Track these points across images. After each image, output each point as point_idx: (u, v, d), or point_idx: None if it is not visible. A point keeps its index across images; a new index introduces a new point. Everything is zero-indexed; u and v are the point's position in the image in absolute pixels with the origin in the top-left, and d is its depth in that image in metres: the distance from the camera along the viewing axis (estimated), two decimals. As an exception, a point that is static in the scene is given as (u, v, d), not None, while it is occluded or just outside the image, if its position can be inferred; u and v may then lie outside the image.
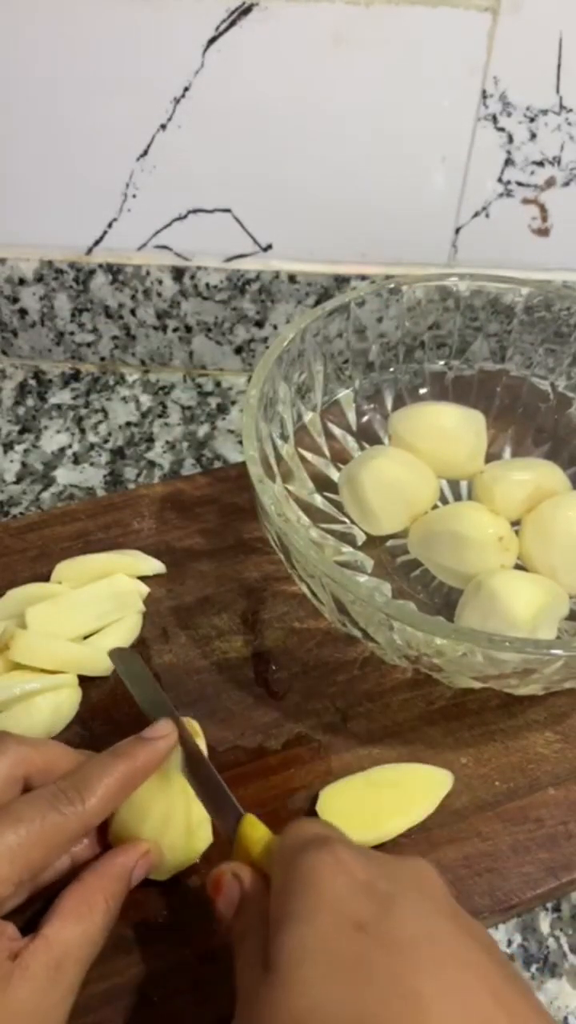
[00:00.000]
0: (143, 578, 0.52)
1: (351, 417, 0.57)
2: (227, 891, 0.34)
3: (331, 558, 0.43)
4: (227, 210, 0.62)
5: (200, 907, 0.40)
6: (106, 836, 0.39)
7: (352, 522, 0.53)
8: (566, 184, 0.59)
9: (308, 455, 0.54)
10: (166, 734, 0.39)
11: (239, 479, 0.58)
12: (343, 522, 0.53)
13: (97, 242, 0.64)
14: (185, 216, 0.62)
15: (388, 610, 0.38)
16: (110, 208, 0.62)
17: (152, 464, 0.63)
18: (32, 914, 0.35)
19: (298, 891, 0.30)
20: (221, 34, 0.53)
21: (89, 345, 0.69)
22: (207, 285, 0.64)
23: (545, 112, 0.56)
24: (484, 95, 0.55)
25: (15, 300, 0.66)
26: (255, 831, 0.35)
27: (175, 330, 0.67)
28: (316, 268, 0.64)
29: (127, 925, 0.39)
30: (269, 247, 0.63)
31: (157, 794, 0.39)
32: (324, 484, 0.54)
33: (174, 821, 0.39)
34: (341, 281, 0.64)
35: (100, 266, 0.64)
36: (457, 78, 0.55)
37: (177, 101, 0.56)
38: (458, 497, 0.56)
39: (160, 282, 0.65)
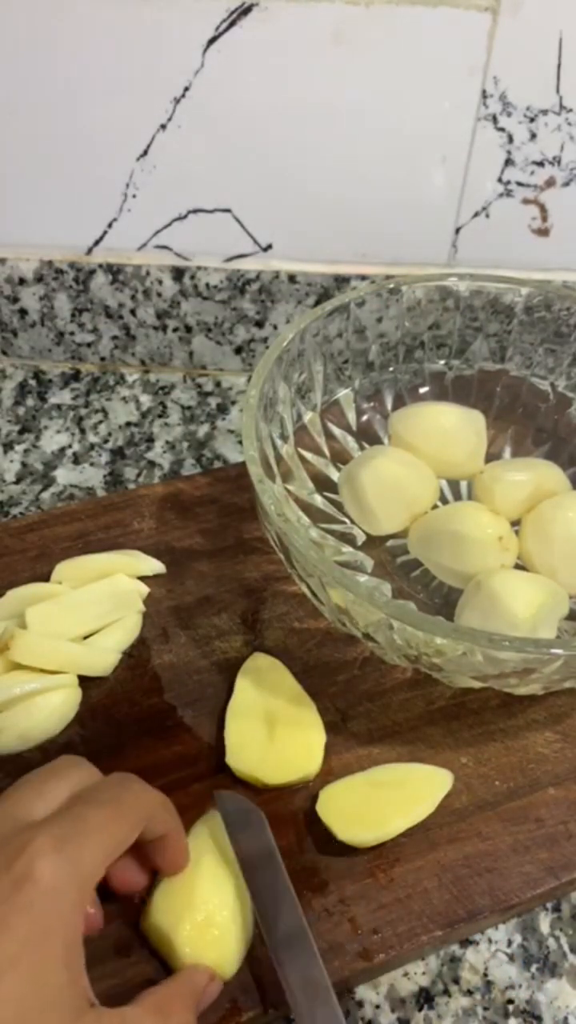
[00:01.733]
0: (143, 578, 0.52)
1: (351, 417, 0.57)
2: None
3: (331, 558, 0.43)
4: (227, 210, 0.62)
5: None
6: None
7: (352, 522, 0.53)
8: (566, 184, 0.59)
9: (308, 455, 0.54)
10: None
11: (239, 479, 0.58)
12: (343, 522, 0.53)
13: (97, 242, 0.64)
14: (185, 216, 0.62)
15: (388, 610, 0.38)
16: (110, 208, 0.62)
17: (152, 464, 0.63)
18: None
19: None
20: (221, 34, 0.53)
21: (89, 345, 0.69)
22: (207, 285, 0.64)
23: (545, 112, 0.56)
24: (484, 95, 0.55)
25: (15, 300, 0.66)
26: None
27: (175, 330, 0.67)
28: (316, 268, 0.64)
29: (127, 925, 0.39)
30: (269, 247, 0.63)
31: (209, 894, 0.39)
32: (324, 484, 0.54)
33: (211, 928, 0.38)
34: (341, 281, 0.64)
35: (100, 266, 0.64)
36: (457, 78, 0.55)
37: (177, 101, 0.56)
38: (458, 497, 0.56)
39: (160, 282, 0.65)
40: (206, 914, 0.38)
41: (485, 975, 0.41)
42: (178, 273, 0.64)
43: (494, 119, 0.56)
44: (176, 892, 0.39)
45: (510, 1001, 0.40)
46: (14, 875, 0.30)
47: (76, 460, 0.63)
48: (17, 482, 0.62)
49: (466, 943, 0.42)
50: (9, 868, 0.30)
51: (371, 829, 0.41)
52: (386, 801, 0.43)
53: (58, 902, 0.30)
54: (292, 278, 0.64)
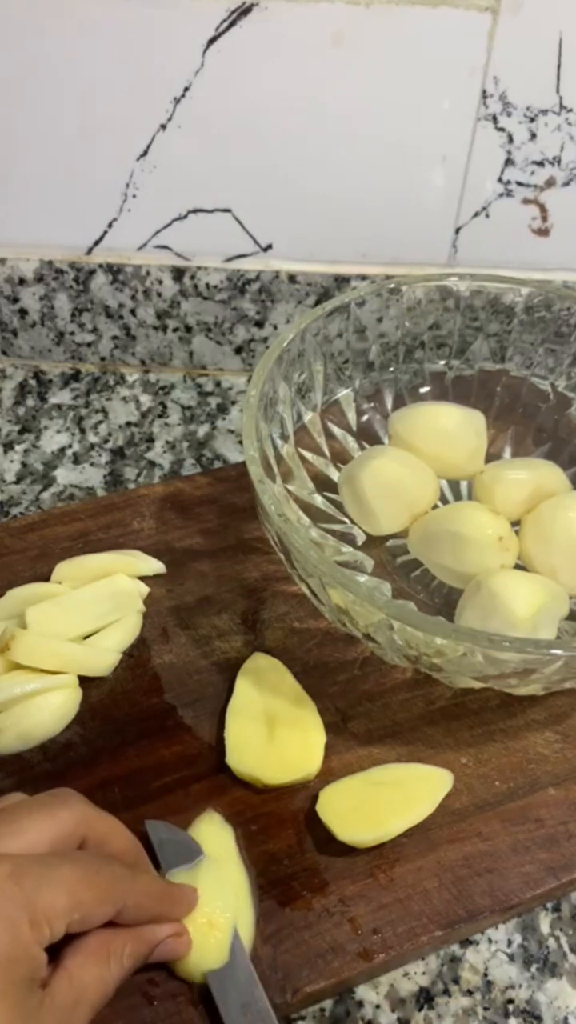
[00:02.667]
0: (143, 578, 0.52)
1: (351, 417, 0.57)
2: None
3: (331, 558, 0.43)
4: (227, 210, 0.62)
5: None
6: None
7: (352, 522, 0.53)
8: (566, 184, 0.59)
9: (308, 455, 0.54)
10: (194, 901, 0.39)
11: (239, 479, 0.58)
12: (343, 522, 0.53)
13: (97, 242, 0.64)
14: (185, 216, 0.62)
15: (388, 610, 0.38)
16: (110, 208, 0.62)
17: (152, 464, 0.63)
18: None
19: None
20: (221, 34, 0.53)
21: (89, 345, 0.69)
22: (207, 285, 0.64)
23: (545, 112, 0.56)
24: (484, 95, 0.55)
25: (15, 300, 0.66)
26: None
27: (175, 330, 0.67)
28: (316, 268, 0.64)
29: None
30: (269, 247, 0.63)
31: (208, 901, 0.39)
32: (324, 484, 0.54)
33: (213, 930, 0.38)
34: (341, 281, 0.64)
35: (100, 266, 0.64)
36: (457, 78, 0.55)
37: (177, 101, 0.56)
38: (458, 497, 0.56)
39: (160, 282, 0.65)
40: (208, 917, 0.38)
41: (485, 975, 0.41)
42: (178, 273, 0.64)
43: (494, 119, 0.56)
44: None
45: (510, 1001, 0.40)
46: None
47: (76, 460, 0.63)
48: (17, 482, 0.62)
49: (466, 943, 0.42)
50: None
51: (371, 829, 0.41)
52: (386, 801, 0.43)
53: (8, 930, 0.30)
54: (292, 278, 0.64)
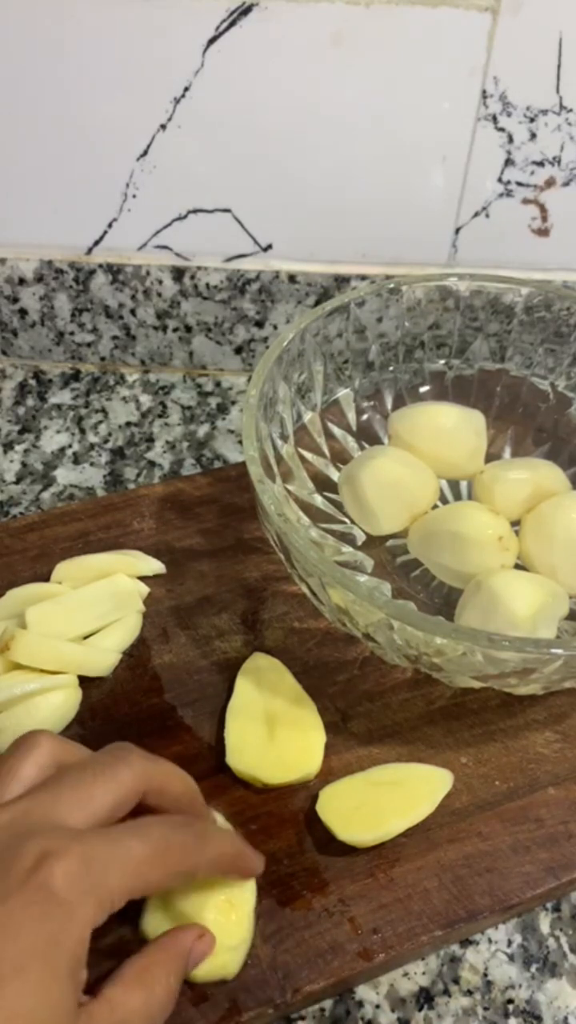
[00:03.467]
0: (143, 578, 0.52)
1: (351, 417, 0.57)
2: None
3: (331, 558, 0.43)
4: (227, 210, 0.62)
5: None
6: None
7: (352, 522, 0.53)
8: (566, 184, 0.59)
9: (308, 455, 0.54)
10: (261, 866, 0.39)
11: (239, 479, 0.58)
12: (343, 522, 0.53)
13: (97, 242, 0.64)
14: (185, 216, 0.62)
15: (388, 610, 0.38)
16: (110, 208, 0.62)
17: (152, 464, 0.63)
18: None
19: None
20: (221, 34, 0.53)
21: (89, 345, 0.69)
22: (207, 285, 0.64)
23: (545, 112, 0.56)
24: (484, 95, 0.55)
25: (15, 300, 0.66)
26: None
27: (175, 330, 0.67)
28: (316, 268, 0.64)
29: (127, 926, 0.39)
30: (269, 247, 0.63)
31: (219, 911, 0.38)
32: (324, 484, 0.54)
33: (230, 933, 0.38)
34: (341, 281, 0.64)
35: (100, 266, 0.64)
36: (457, 78, 0.55)
37: (177, 101, 0.56)
38: (458, 497, 0.56)
39: (160, 282, 0.65)
40: (227, 895, 0.38)
41: (485, 975, 0.41)
42: (178, 273, 0.64)
43: (494, 119, 0.56)
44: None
45: (510, 1001, 0.40)
46: (35, 882, 0.29)
47: (76, 460, 0.63)
48: (17, 482, 0.62)
49: (466, 943, 0.42)
50: (32, 873, 0.29)
51: (371, 829, 0.41)
52: (386, 801, 0.43)
53: (72, 917, 0.29)
54: (292, 278, 0.64)
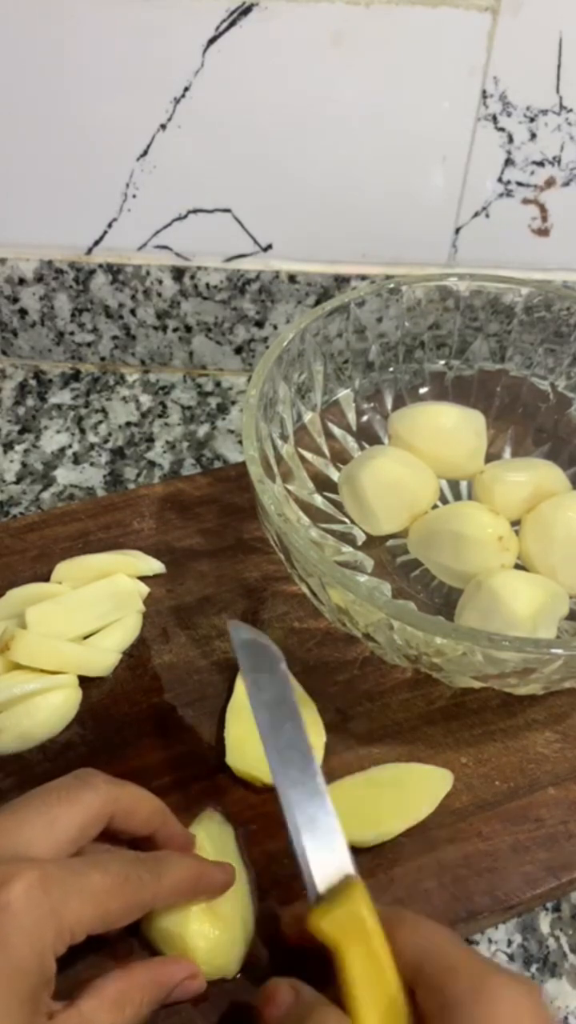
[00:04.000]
0: (143, 578, 0.52)
1: (351, 417, 0.57)
2: (280, 1001, 0.33)
3: (331, 558, 0.43)
4: (227, 210, 0.62)
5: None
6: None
7: (352, 522, 0.53)
8: (566, 184, 0.59)
9: (308, 455, 0.54)
10: (229, 880, 0.39)
11: (239, 479, 0.58)
12: (343, 522, 0.53)
13: (97, 242, 0.64)
14: (185, 216, 0.62)
15: (388, 610, 0.38)
16: (110, 208, 0.62)
17: (152, 464, 0.63)
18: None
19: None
20: (221, 34, 0.53)
21: (89, 345, 0.69)
22: (207, 285, 0.64)
23: (545, 112, 0.56)
24: (484, 95, 0.55)
25: (15, 300, 0.66)
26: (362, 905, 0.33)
27: (175, 330, 0.67)
28: (316, 268, 0.64)
29: (127, 930, 0.39)
30: (269, 247, 0.63)
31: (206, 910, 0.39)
32: (324, 484, 0.54)
33: (212, 934, 0.38)
34: (341, 281, 0.64)
35: (100, 266, 0.64)
36: (457, 78, 0.55)
37: (177, 101, 0.56)
38: (458, 497, 0.56)
39: (160, 282, 0.65)
40: (211, 910, 0.38)
41: (485, 975, 0.41)
42: (178, 273, 0.64)
43: (494, 119, 0.56)
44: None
45: (510, 1001, 0.40)
46: None
47: (76, 460, 0.63)
48: (17, 482, 0.62)
49: (466, 943, 0.42)
50: None
51: (371, 828, 0.41)
52: (386, 801, 0.43)
53: (31, 943, 0.30)
54: (292, 278, 0.64)
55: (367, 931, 0.32)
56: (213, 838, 0.41)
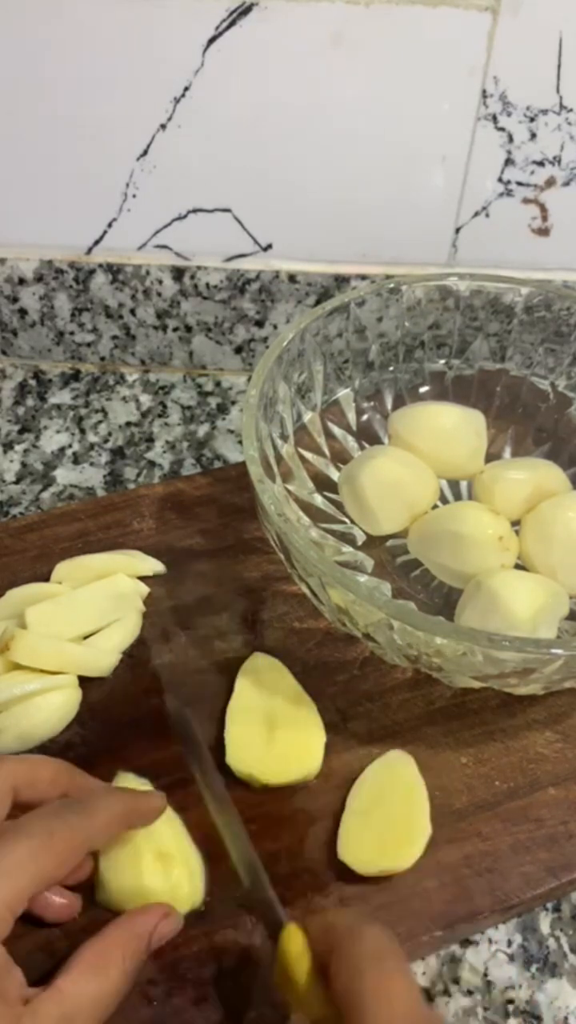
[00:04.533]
0: (143, 578, 0.52)
1: (351, 417, 0.57)
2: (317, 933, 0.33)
3: (331, 558, 0.43)
4: (227, 210, 0.62)
5: (196, 909, 0.40)
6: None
7: (352, 522, 0.53)
8: (566, 184, 0.59)
9: (308, 455, 0.54)
10: (161, 804, 0.40)
11: (239, 479, 0.58)
12: (343, 522, 0.53)
13: (97, 242, 0.64)
14: (185, 216, 0.62)
15: (388, 610, 0.38)
16: (110, 208, 0.62)
17: (152, 464, 0.63)
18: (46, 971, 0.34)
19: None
20: (221, 34, 0.53)
21: (89, 345, 0.69)
22: (207, 285, 0.64)
23: (545, 112, 0.56)
24: (484, 95, 0.55)
25: (15, 300, 0.66)
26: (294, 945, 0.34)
27: (175, 330, 0.67)
28: (316, 268, 0.64)
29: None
30: (269, 247, 0.63)
31: (144, 850, 0.40)
32: (324, 484, 0.54)
33: (170, 874, 0.39)
34: (341, 281, 0.64)
35: (100, 266, 0.64)
36: (457, 78, 0.55)
37: (177, 101, 0.56)
38: (458, 497, 0.56)
39: (160, 282, 0.65)
40: (154, 852, 0.39)
41: (485, 975, 0.41)
42: (178, 273, 0.64)
43: (494, 119, 0.56)
44: (122, 845, 0.39)
45: (510, 1001, 0.40)
46: None
47: (76, 460, 0.63)
48: (17, 482, 0.62)
49: (466, 943, 0.42)
50: None
51: (391, 859, 0.41)
52: (392, 825, 0.42)
53: None
54: (292, 278, 0.64)
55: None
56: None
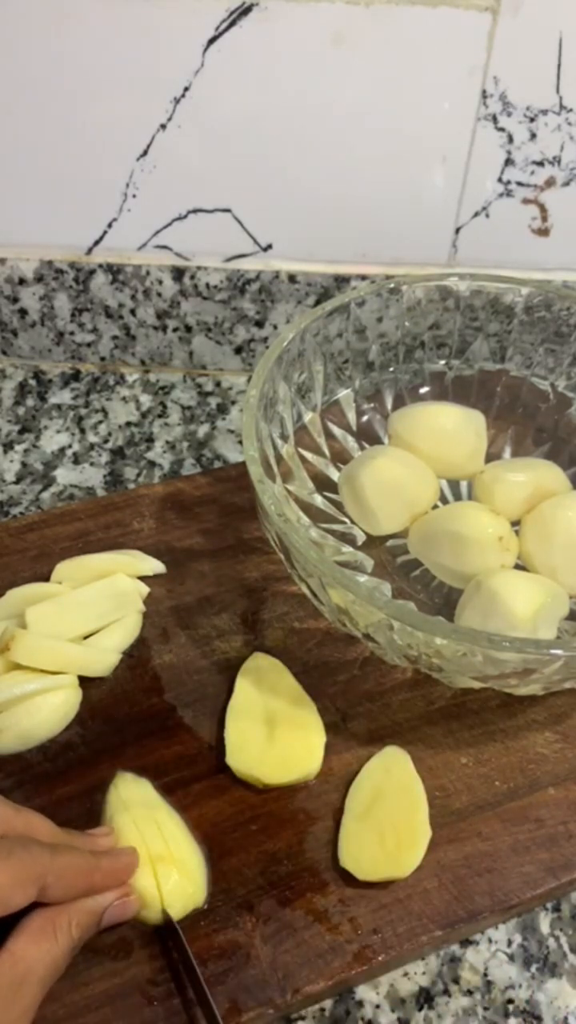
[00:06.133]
0: (143, 578, 0.52)
1: (351, 417, 0.57)
2: None
3: (331, 558, 0.43)
4: (227, 210, 0.62)
5: (198, 908, 0.40)
6: None
7: (352, 522, 0.53)
8: (566, 184, 0.59)
9: (308, 455, 0.54)
10: (133, 861, 0.39)
11: (239, 479, 0.58)
12: (343, 522, 0.53)
13: (97, 242, 0.64)
14: (185, 216, 0.62)
15: (388, 610, 0.38)
16: (110, 208, 0.62)
17: (152, 464, 0.63)
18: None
19: None
20: (221, 34, 0.53)
21: (89, 345, 0.69)
22: (207, 285, 0.64)
23: (545, 112, 0.56)
24: (484, 95, 0.55)
25: (15, 300, 0.66)
26: None
27: (175, 330, 0.67)
28: (316, 268, 0.64)
29: (127, 926, 0.39)
30: (269, 247, 0.63)
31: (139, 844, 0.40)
32: (324, 484, 0.54)
33: (165, 870, 0.39)
34: (341, 281, 0.64)
35: (100, 266, 0.64)
36: (457, 78, 0.55)
37: (177, 101, 0.56)
38: (458, 497, 0.56)
39: (160, 282, 0.65)
40: (158, 849, 0.39)
41: (485, 975, 0.41)
42: (178, 273, 0.64)
43: (494, 119, 0.56)
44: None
45: (510, 1001, 0.40)
46: None
47: (76, 460, 0.63)
48: (17, 482, 0.62)
49: (466, 943, 0.42)
50: None
51: (392, 866, 0.41)
52: (393, 828, 0.42)
53: None
54: (292, 278, 0.64)
55: None
56: (134, 793, 0.42)
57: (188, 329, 0.67)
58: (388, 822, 0.42)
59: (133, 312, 0.66)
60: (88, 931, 0.36)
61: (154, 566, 0.53)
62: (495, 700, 0.48)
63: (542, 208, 0.61)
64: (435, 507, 0.53)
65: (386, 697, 0.48)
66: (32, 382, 0.70)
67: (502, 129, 0.57)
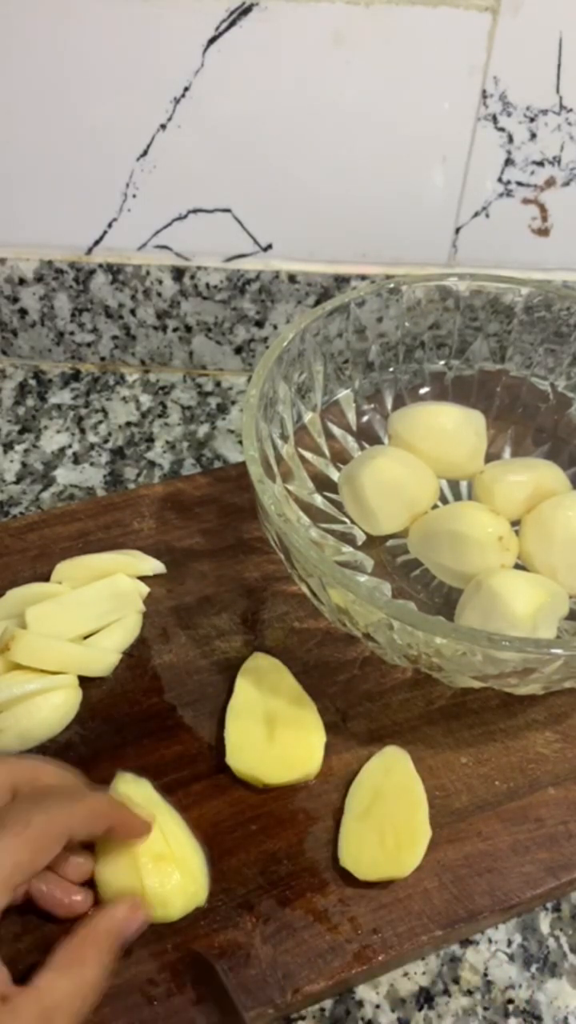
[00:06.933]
0: (143, 578, 0.52)
1: (351, 417, 0.57)
2: None
3: (331, 558, 0.43)
4: (227, 210, 0.62)
5: (200, 908, 0.40)
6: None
7: (352, 522, 0.53)
8: (566, 184, 0.59)
9: (308, 455, 0.54)
10: (147, 827, 0.40)
11: (239, 479, 0.58)
12: (343, 522, 0.53)
13: (97, 242, 0.64)
14: (185, 216, 0.62)
15: (388, 610, 0.38)
16: (110, 208, 0.62)
17: (152, 464, 0.63)
18: (27, 967, 0.35)
19: None
20: (221, 34, 0.53)
21: (89, 345, 0.69)
22: (207, 285, 0.64)
23: (545, 112, 0.56)
24: (484, 95, 0.55)
25: (15, 300, 0.66)
26: None
27: (175, 330, 0.67)
28: (316, 268, 0.64)
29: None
30: (269, 247, 0.63)
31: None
32: (324, 484, 0.54)
33: (166, 869, 0.39)
34: (341, 281, 0.64)
35: (100, 266, 0.64)
36: (457, 78, 0.55)
37: (177, 101, 0.56)
38: (458, 497, 0.56)
39: (160, 282, 0.65)
40: (149, 855, 0.39)
41: (485, 975, 0.41)
42: (178, 273, 0.64)
43: (494, 119, 0.56)
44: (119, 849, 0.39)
45: (510, 1001, 0.40)
46: None
47: (76, 460, 0.63)
48: (17, 482, 0.62)
49: (466, 943, 0.42)
50: None
51: (392, 866, 0.41)
52: (393, 828, 0.42)
53: None
54: (292, 278, 0.64)
55: None
56: (134, 794, 0.42)
57: (188, 329, 0.67)
58: (388, 822, 0.42)
59: (133, 312, 0.66)
60: (113, 952, 0.35)
61: (154, 566, 0.53)
62: (495, 700, 0.48)
63: (542, 208, 0.61)
64: (435, 507, 0.53)
65: (386, 697, 0.48)
66: (32, 382, 0.70)
67: (502, 129, 0.57)
